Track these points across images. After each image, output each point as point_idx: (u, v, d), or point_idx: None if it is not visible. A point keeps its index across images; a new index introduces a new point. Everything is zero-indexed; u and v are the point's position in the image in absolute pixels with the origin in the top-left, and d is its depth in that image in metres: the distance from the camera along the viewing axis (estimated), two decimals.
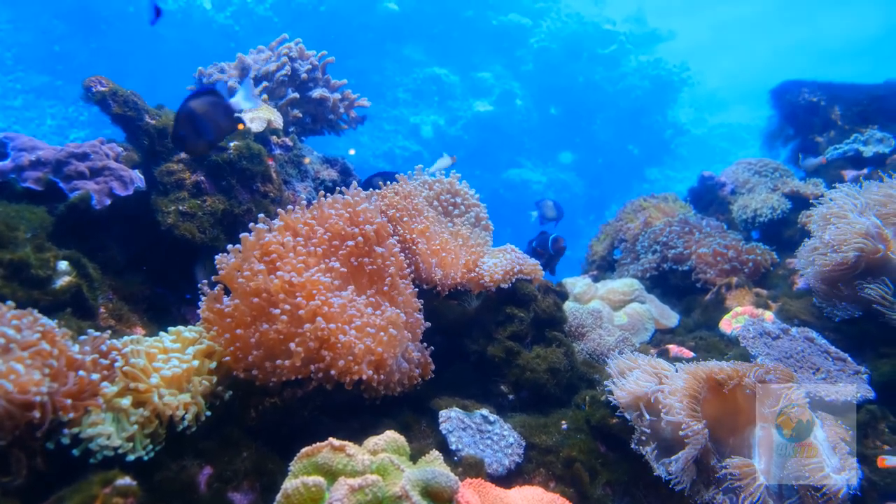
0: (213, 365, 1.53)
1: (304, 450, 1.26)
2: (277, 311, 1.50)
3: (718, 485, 1.48)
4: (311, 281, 1.56)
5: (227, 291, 1.65)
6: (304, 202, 1.83)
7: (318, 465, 1.24)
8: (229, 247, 1.64)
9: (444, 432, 1.59)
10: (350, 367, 1.49)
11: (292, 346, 1.48)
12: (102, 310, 1.73)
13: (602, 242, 3.73)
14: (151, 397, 1.35)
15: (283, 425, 1.58)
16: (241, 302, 1.57)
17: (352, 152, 2.87)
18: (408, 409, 1.72)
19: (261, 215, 1.72)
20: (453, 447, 1.54)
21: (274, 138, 2.52)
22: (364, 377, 1.50)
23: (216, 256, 1.65)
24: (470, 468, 1.47)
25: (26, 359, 1.24)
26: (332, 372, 1.48)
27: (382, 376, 1.55)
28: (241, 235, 1.65)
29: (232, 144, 2.16)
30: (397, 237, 1.94)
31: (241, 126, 2.12)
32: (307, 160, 2.64)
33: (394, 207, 2.01)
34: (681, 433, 1.45)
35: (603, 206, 14.04)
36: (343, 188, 1.89)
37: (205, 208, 2.04)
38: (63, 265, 1.65)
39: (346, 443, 1.26)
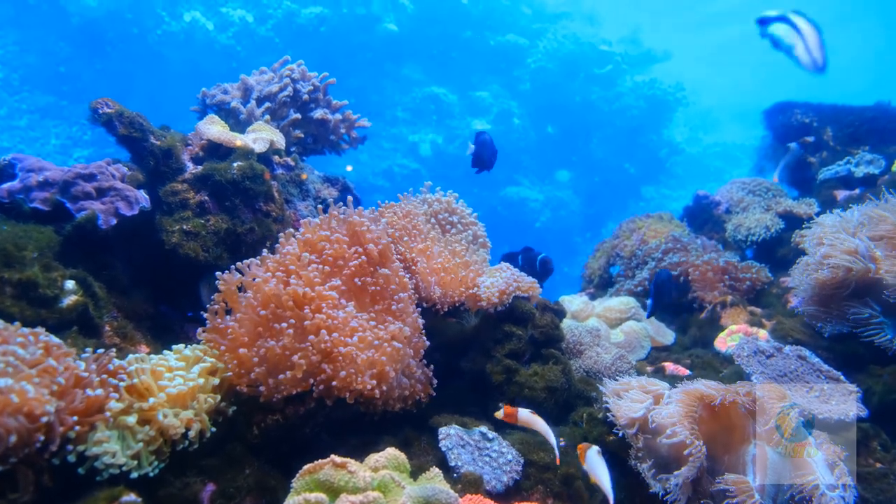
0: (217, 381, 1.56)
1: (306, 467, 1.28)
2: (284, 325, 1.54)
3: (714, 501, 1.50)
4: (321, 295, 1.60)
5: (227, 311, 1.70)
6: (310, 221, 1.88)
7: (320, 482, 1.26)
8: (238, 264, 1.70)
9: (443, 449, 1.61)
10: (352, 379, 1.52)
11: (295, 358, 1.51)
12: (108, 328, 1.76)
13: (598, 260, 3.77)
14: (156, 415, 1.37)
15: (286, 442, 1.60)
16: (246, 317, 1.61)
17: (349, 168, 2.91)
18: (408, 426, 1.74)
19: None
20: (452, 464, 1.56)
21: (276, 158, 2.57)
22: (368, 388, 1.52)
23: (217, 273, 1.70)
24: (469, 485, 1.49)
25: (34, 377, 1.27)
26: (334, 383, 1.50)
27: (384, 388, 1.58)
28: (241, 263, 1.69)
29: (235, 165, 2.21)
30: (398, 256, 1.98)
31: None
32: (304, 175, 2.69)
33: (394, 227, 2.05)
34: (685, 452, 1.48)
35: (600, 224, 14.13)
36: (345, 207, 1.94)
37: (208, 227, 2.08)
38: (70, 284, 1.68)
39: (347, 460, 1.28)
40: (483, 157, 2.60)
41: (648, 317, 2.73)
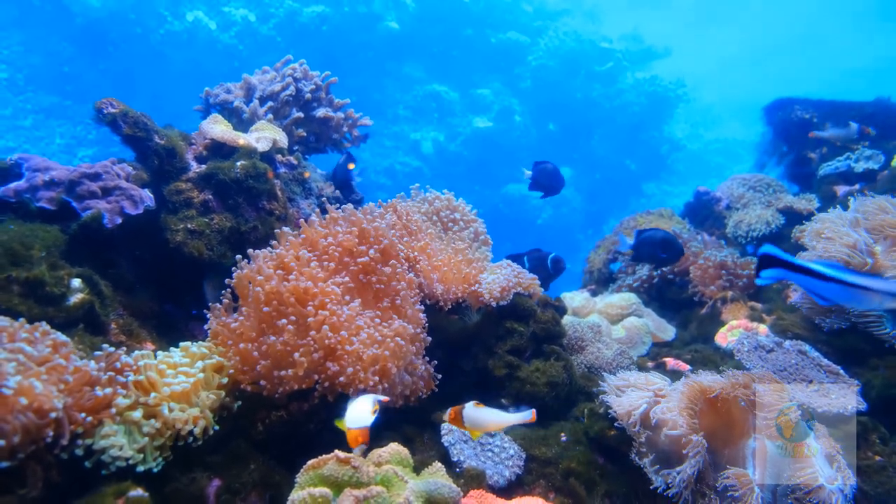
0: (224, 380, 1.58)
1: (310, 462, 1.30)
2: (284, 322, 1.56)
3: (715, 495, 1.51)
4: (323, 291, 1.62)
5: (235, 299, 1.72)
6: (315, 219, 1.89)
7: (324, 477, 1.28)
8: (249, 251, 1.74)
9: (446, 444, 1.63)
10: (357, 375, 1.53)
11: (296, 355, 1.53)
12: (113, 326, 1.78)
13: (600, 255, 3.78)
14: (161, 410, 1.39)
15: (290, 438, 1.62)
16: (252, 311, 1.62)
17: (351, 167, 2.93)
18: (410, 423, 1.76)
19: (284, 230, 1.81)
20: (455, 459, 1.58)
21: (279, 157, 2.58)
22: (370, 384, 1.54)
23: (237, 257, 1.74)
24: (472, 479, 1.51)
25: (43, 374, 1.29)
26: (341, 379, 1.52)
27: (387, 385, 1.59)
28: (252, 252, 1.71)
29: (239, 164, 2.23)
30: (401, 254, 1.99)
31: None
32: (307, 174, 2.71)
33: (395, 226, 2.07)
34: (683, 443, 1.49)
35: (601, 221, 14.13)
36: (347, 205, 1.95)
37: (212, 226, 2.10)
38: (76, 283, 1.70)
39: (351, 455, 1.30)
40: (540, 182, 2.89)
41: (627, 247, 2.85)
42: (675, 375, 1.97)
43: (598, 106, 14.47)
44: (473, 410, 1.37)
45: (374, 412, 1.30)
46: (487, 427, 1.39)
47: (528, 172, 2.89)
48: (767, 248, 1.57)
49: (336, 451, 1.29)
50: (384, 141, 13.44)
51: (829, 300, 1.54)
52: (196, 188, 2.16)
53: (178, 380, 1.49)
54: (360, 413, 1.29)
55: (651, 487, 1.54)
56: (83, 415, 1.29)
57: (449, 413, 1.39)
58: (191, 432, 1.42)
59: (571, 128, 14.53)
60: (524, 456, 1.67)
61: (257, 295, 1.61)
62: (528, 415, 1.35)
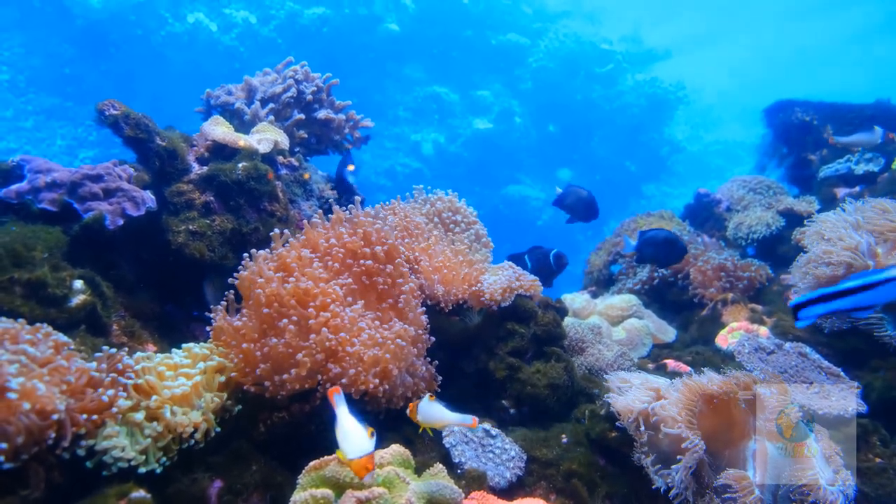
0: (223, 379, 1.58)
1: (311, 463, 1.30)
2: (286, 322, 1.56)
3: (715, 497, 1.51)
4: (324, 292, 1.62)
5: (238, 300, 1.72)
6: (318, 220, 1.90)
7: (325, 478, 1.28)
8: (252, 251, 1.75)
9: (447, 446, 1.63)
10: (358, 376, 1.54)
11: (299, 356, 1.53)
12: (115, 327, 1.78)
13: (600, 256, 3.79)
14: (163, 412, 1.40)
15: (291, 439, 1.63)
16: (253, 312, 1.63)
17: (351, 168, 2.93)
18: (411, 424, 1.75)
19: (276, 231, 1.81)
20: (456, 460, 1.58)
21: (280, 158, 2.59)
22: (371, 386, 1.54)
23: (243, 255, 1.74)
24: (473, 481, 1.51)
25: (45, 375, 1.29)
26: (343, 380, 1.52)
27: (387, 387, 1.60)
28: (255, 252, 1.71)
29: (240, 165, 2.23)
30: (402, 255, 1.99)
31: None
32: (307, 175, 2.71)
33: (396, 227, 2.07)
34: (683, 445, 1.49)
35: (601, 223, 14.06)
36: (351, 206, 1.96)
37: (214, 228, 2.10)
38: (78, 284, 1.70)
39: None
40: (565, 202, 2.87)
41: (632, 249, 2.86)
42: (675, 377, 1.97)
43: (598, 107, 14.50)
44: (426, 404, 1.37)
45: (372, 434, 1.20)
46: (432, 423, 1.39)
47: (559, 190, 2.86)
48: (796, 301, 1.65)
49: (337, 452, 1.30)
50: (385, 142, 13.46)
51: (877, 304, 1.56)
52: (197, 190, 2.16)
53: (179, 382, 1.49)
54: (358, 441, 1.19)
55: (653, 488, 1.54)
56: (85, 416, 1.30)
57: (409, 406, 1.40)
58: (192, 435, 1.42)
59: (571, 129, 14.55)
60: (525, 457, 1.67)
61: (258, 297, 1.62)
62: (468, 419, 1.36)
